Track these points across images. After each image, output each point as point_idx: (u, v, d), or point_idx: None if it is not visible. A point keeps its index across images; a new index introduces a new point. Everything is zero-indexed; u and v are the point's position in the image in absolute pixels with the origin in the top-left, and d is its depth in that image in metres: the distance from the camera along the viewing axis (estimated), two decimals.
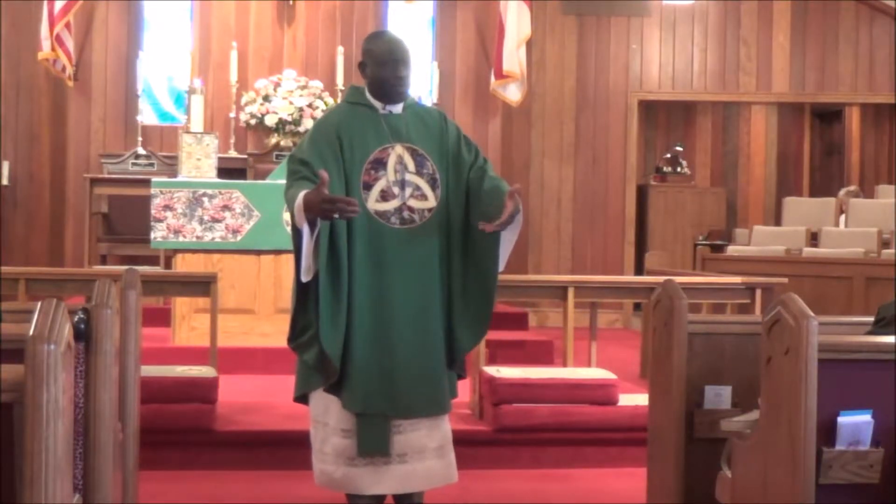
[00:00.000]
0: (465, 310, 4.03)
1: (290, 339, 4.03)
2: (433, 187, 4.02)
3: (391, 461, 3.92)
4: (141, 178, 9.30)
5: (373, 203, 3.97)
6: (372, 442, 3.90)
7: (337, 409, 3.94)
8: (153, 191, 7.43)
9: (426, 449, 3.95)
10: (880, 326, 3.47)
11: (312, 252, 3.81)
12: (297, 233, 3.87)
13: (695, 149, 13.86)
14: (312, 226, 3.77)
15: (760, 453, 3.26)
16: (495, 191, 3.98)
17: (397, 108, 4.07)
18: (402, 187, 3.99)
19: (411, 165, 4.01)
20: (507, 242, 4.08)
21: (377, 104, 4.06)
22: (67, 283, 6.49)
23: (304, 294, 3.93)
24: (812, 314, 3.07)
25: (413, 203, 3.99)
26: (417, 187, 4.00)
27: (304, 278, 3.86)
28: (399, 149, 4.02)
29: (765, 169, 13.88)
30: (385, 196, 3.98)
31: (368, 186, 3.97)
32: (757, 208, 13.81)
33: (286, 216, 7.28)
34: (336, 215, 3.72)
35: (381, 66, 4.00)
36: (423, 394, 3.94)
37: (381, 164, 3.99)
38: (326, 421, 3.97)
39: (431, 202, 4.01)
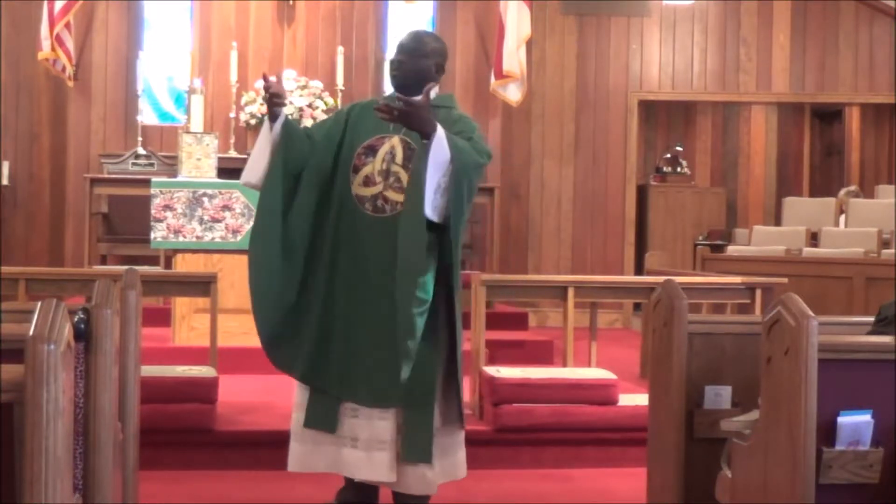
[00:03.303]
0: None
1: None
2: None
3: (334, 441, 4.00)
4: (141, 178, 9.29)
5: (356, 187, 4.08)
6: (318, 418, 4.01)
7: (297, 385, 4.11)
8: (153, 191, 7.44)
9: (359, 438, 3.99)
10: (881, 326, 3.47)
11: (268, 154, 4.09)
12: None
13: (695, 149, 13.85)
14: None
15: (760, 453, 3.26)
16: None
17: None
18: (386, 177, 4.04)
19: (399, 157, 4.07)
20: (429, 179, 3.92)
21: (395, 96, 4.15)
22: (67, 283, 6.49)
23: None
24: (812, 314, 3.07)
25: (389, 194, 4.04)
26: (398, 179, 4.04)
27: (243, 177, 4.19)
28: (395, 140, 4.10)
29: (765, 169, 13.88)
30: (367, 182, 4.07)
31: (357, 170, 4.09)
32: (757, 208, 13.80)
33: None
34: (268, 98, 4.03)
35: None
36: (372, 383, 3.97)
37: (372, 150, 4.09)
38: (296, 398, 4.14)
39: None
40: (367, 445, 3.98)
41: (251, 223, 7.42)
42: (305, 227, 4.09)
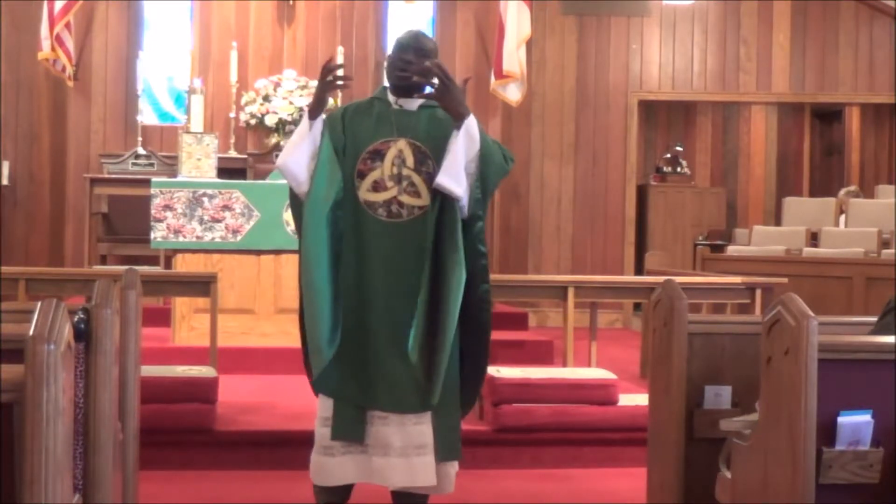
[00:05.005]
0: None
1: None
2: (429, 186, 4.01)
3: (364, 450, 3.95)
4: (141, 178, 9.29)
5: (364, 192, 4.00)
6: (345, 428, 3.93)
7: (322, 398, 4.02)
8: (153, 191, 7.43)
9: (391, 446, 3.93)
10: (890, 316, 3.46)
11: (305, 144, 3.96)
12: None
13: (695, 149, 13.86)
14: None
15: (760, 453, 3.26)
16: None
17: (411, 106, 4.07)
18: (398, 181, 4.00)
19: (410, 161, 4.01)
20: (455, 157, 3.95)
21: (391, 99, 4.09)
22: (67, 283, 6.49)
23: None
24: (812, 314, 3.07)
25: (405, 198, 4.00)
26: (412, 183, 4.00)
27: (281, 159, 4.01)
28: (402, 143, 4.02)
29: (765, 169, 13.88)
30: (376, 187, 4.00)
31: (362, 175, 4.01)
32: (757, 208, 13.81)
33: (286, 216, 7.28)
34: (331, 79, 3.93)
35: (393, 52, 4.09)
36: (391, 389, 3.93)
37: (379, 155, 4.02)
38: (318, 411, 4.05)
39: (424, 200, 4.00)
40: (403, 452, 3.92)
41: (251, 223, 7.47)
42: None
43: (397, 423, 3.93)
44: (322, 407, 4.03)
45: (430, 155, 4.02)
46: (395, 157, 4.01)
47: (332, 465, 3.97)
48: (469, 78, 4.12)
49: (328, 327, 3.92)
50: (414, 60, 4.01)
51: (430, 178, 4.00)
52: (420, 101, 4.07)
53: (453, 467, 4.04)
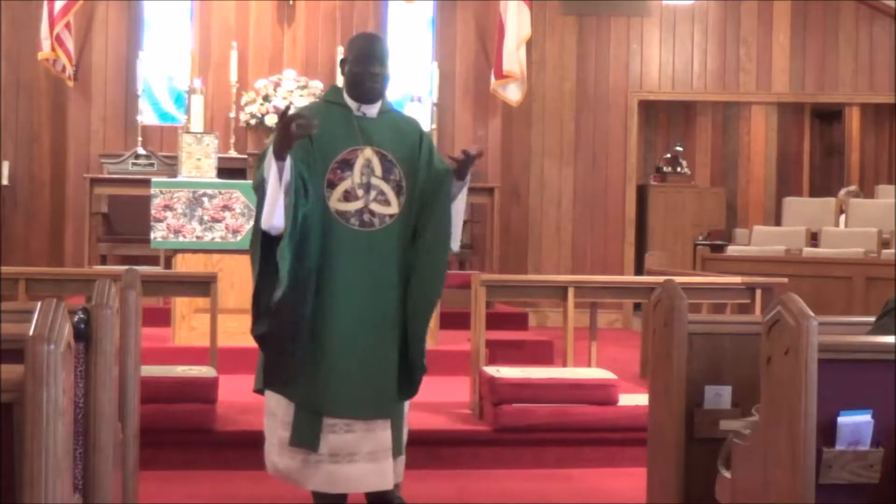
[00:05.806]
0: (413, 317, 4.06)
1: (253, 328, 4.18)
2: (398, 194, 4.06)
3: (322, 459, 3.95)
4: (141, 178, 9.27)
5: (334, 202, 4.02)
6: (302, 436, 3.95)
7: (285, 402, 4.02)
8: (153, 191, 7.43)
9: (358, 452, 3.96)
10: (888, 317, 3.46)
11: (280, 194, 3.84)
12: (263, 194, 3.92)
13: (695, 149, 13.86)
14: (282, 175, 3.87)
15: (760, 453, 3.26)
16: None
17: (372, 112, 4.10)
18: (367, 190, 4.03)
19: (378, 170, 4.05)
20: (457, 216, 4.12)
21: (352, 105, 4.10)
22: (67, 283, 6.48)
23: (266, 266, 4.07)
24: (812, 314, 3.07)
25: (375, 207, 4.03)
26: (381, 192, 4.04)
27: (265, 224, 3.90)
28: (368, 152, 4.05)
29: (765, 169, 13.89)
30: (348, 196, 4.02)
31: (332, 185, 4.02)
32: (757, 208, 13.81)
33: None
34: (296, 129, 3.75)
35: (356, 62, 4.06)
36: (358, 396, 3.96)
37: (347, 164, 4.03)
38: (276, 412, 4.06)
39: (394, 208, 4.05)
40: (372, 457, 3.95)
41: (251, 223, 7.44)
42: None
43: (365, 429, 3.96)
44: (282, 410, 4.02)
45: (396, 163, 4.05)
46: (363, 167, 4.04)
47: (295, 470, 4.00)
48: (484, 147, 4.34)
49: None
50: (380, 73, 4.04)
51: (397, 186, 4.05)
52: (380, 108, 4.09)
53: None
